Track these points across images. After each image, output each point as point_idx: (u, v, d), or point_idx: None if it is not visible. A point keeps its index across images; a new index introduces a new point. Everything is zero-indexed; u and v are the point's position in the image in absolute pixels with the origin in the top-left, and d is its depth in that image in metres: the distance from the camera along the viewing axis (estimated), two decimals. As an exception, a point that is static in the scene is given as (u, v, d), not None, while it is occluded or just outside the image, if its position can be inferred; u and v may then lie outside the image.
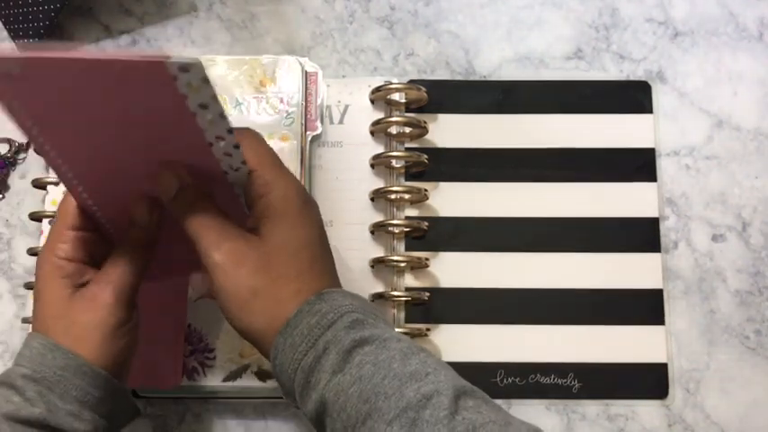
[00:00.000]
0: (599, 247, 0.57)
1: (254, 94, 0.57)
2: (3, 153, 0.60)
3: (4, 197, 0.60)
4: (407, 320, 0.56)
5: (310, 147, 0.57)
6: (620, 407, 0.55)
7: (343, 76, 0.61)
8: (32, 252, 0.56)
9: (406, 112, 0.59)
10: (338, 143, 0.59)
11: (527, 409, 0.55)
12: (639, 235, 0.58)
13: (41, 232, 0.56)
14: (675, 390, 0.55)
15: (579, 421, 0.55)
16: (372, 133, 0.59)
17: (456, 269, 0.57)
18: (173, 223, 0.42)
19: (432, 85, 0.59)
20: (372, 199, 0.58)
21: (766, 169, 0.59)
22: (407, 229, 0.57)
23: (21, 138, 0.60)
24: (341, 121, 0.59)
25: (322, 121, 0.58)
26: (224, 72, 0.56)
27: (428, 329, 0.56)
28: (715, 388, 0.55)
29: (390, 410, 0.36)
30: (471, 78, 0.61)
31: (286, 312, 0.40)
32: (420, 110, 0.59)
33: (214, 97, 0.36)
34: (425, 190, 0.58)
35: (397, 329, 0.53)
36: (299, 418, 0.55)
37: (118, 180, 0.43)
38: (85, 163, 0.42)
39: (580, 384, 0.55)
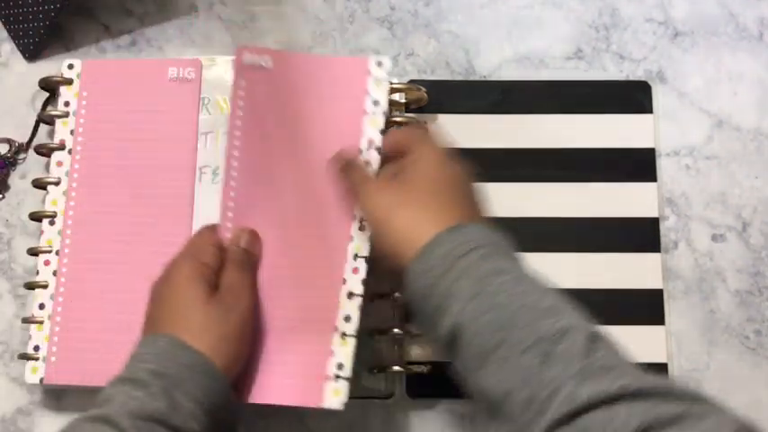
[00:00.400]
0: (599, 247, 0.57)
1: (255, 94, 0.57)
2: (3, 153, 0.60)
3: (4, 197, 0.60)
4: (408, 318, 0.56)
5: (310, 147, 0.57)
6: (620, 407, 0.55)
7: (344, 76, 0.61)
8: (32, 252, 0.56)
9: (406, 112, 0.59)
10: (338, 143, 0.59)
11: (527, 409, 0.55)
12: (639, 235, 0.58)
13: (41, 232, 0.55)
14: (675, 390, 0.55)
15: (579, 421, 0.55)
16: (372, 133, 0.59)
17: (456, 269, 0.57)
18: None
19: (432, 86, 0.59)
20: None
21: (766, 169, 0.59)
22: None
23: (21, 138, 0.60)
24: (341, 121, 0.59)
25: (322, 121, 0.58)
26: (224, 72, 0.56)
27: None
28: (715, 388, 0.55)
29: (524, 340, 0.36)
30: (471, 78, 0.61)
31: (425, 236, 0.41)
32: (420, 110, 0.59)
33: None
34: (425, 190, 0.58)
35: (397, 330, 0.53)
36: (299, 418, 0.55)
37: (266, 185, 0.51)
38: (258, 156, 0.51)
39: (580, 384, 0.55)
